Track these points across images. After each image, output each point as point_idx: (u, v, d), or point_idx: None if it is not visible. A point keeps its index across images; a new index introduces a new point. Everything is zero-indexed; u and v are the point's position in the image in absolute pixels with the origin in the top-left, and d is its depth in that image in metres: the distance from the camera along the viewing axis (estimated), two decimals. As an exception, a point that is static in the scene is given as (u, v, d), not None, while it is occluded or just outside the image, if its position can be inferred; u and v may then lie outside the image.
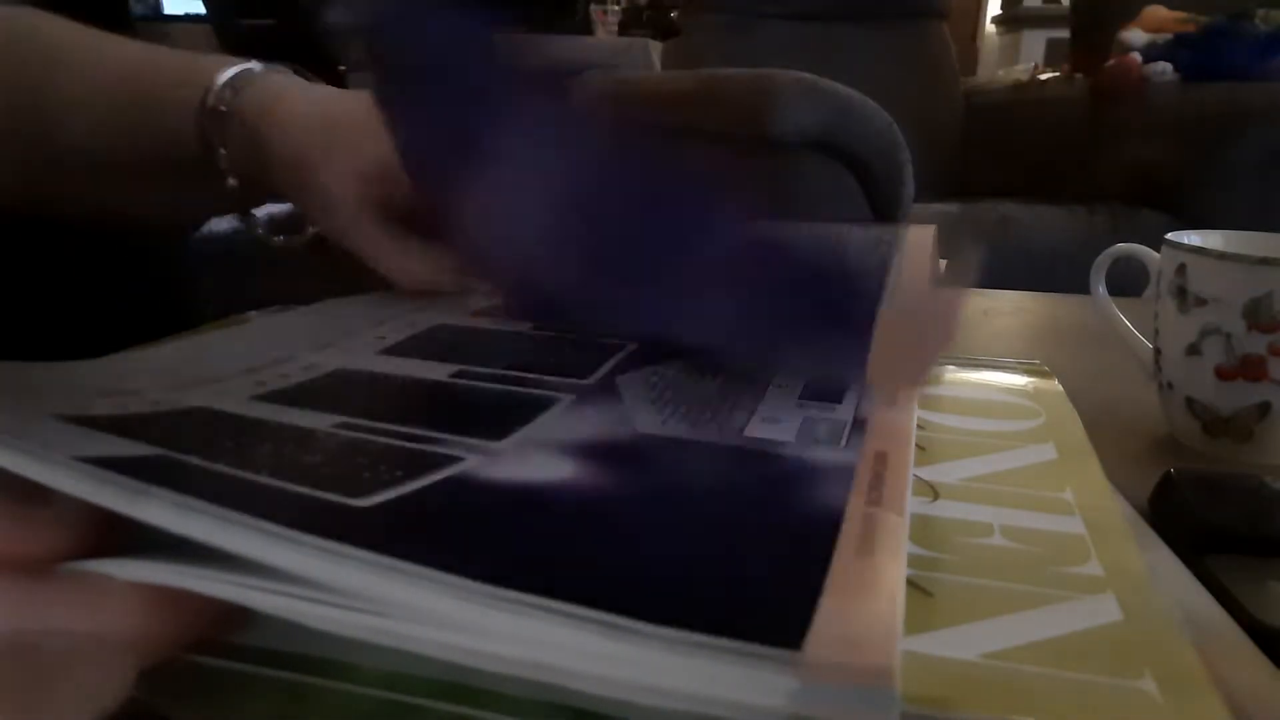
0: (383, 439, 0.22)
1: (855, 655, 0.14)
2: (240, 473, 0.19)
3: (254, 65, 0.41)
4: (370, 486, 0.19)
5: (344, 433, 0.22)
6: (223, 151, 0.40)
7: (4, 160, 0.41)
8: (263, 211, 0.44)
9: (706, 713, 0.14)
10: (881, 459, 0.22)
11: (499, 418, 0.24)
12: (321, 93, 0.41)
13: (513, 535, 0.18)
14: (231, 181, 0.40)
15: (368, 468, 0.20)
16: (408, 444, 0.22)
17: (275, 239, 0.44)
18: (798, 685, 0.13)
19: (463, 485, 0.19)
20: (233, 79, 0.40)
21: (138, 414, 0.22)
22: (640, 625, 0.14)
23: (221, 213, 0.42)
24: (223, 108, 0.39)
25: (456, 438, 0.22)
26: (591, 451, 0.22)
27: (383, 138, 0.35)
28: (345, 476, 0.19)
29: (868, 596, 0.16)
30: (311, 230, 0.43)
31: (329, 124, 0.39)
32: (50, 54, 0.41)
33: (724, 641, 0.14)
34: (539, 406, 0.25)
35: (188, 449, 0.20)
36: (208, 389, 0.25)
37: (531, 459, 0.21)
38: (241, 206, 0.42)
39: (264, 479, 0.18)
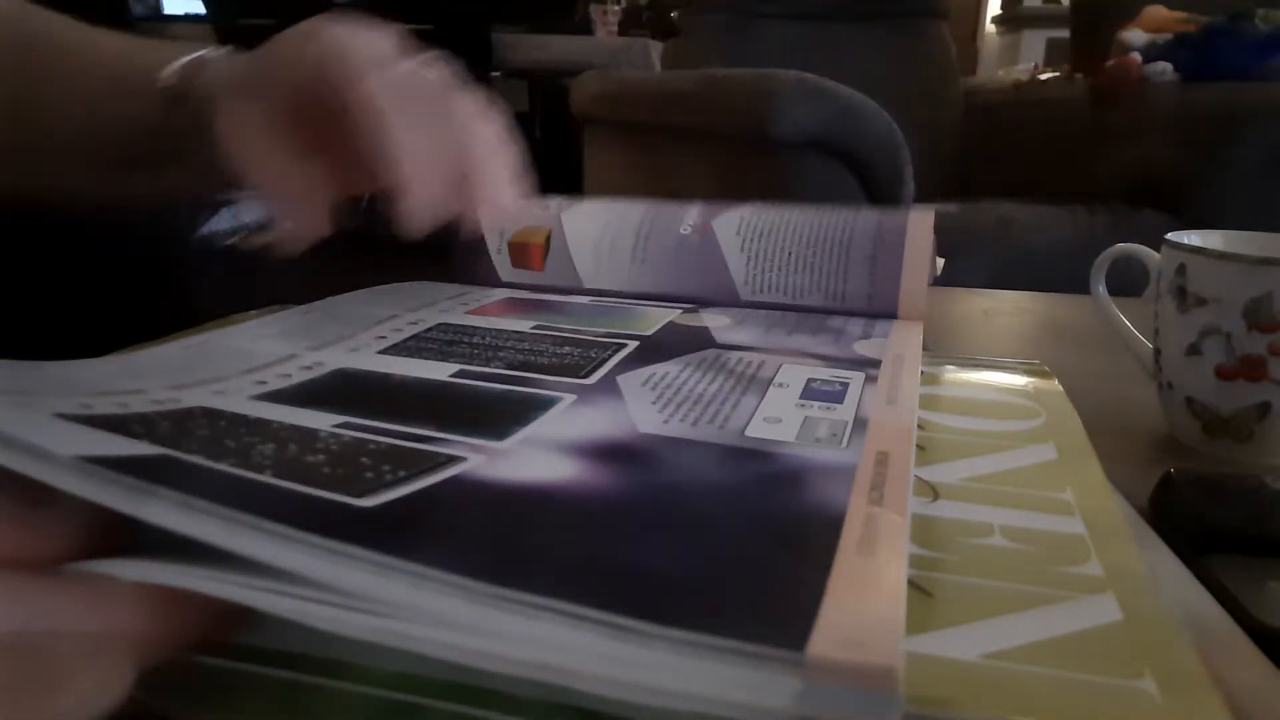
0: (384, 439, 0.22)
1: (859, 656, 0.14)
2: (243, 473, 0.19)
3: (210, 51, 0.39)
4: (372, 486, 0.19)
5: (346, 433, 0.22)
6: (182, 138, 0.38)
7: None
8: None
9: (710, 713, 0.14)
10: (883, 459, 0.22)
11: (500, 417, 0.24)
12: (245, 56, 0.38)
13: (515, 536, 0.18)
14: (194, 167, 0.39)
15: (370, 468, 0.20)
16: (409, 444, 0.22)
17: (243, 239, 0.43)
18: (802, 686, 0.13)
19: (465, 485, 0.19)
20: (183, 69, 0.39)
21: (139, 413, 0.22)
22: (644, 626, 0.14)
23: (198, 199, 0.41)
24: (177, 91, 0.38)
25: (458, 437, 0.22)
26: (593, 451, 0.22)
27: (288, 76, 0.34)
28: (347, 476, 0.19)
29: (870, 597, 0.16)
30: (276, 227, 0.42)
31: (247, 74, 0.37)
32: (35, 44, 0.41)
33: (728, 642, 0.14)
34: (540, 406, 0.25)
35: (190, 449, 0.20)
36: (208, 388, 0.25)
37: (533, 459, 0.21)
38: (208, 191, 0.41)
39: (267, 479, 0.18)
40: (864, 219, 0.44)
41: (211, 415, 0.23)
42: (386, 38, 0.36)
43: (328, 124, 0.33)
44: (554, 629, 0.14)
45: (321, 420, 0.23)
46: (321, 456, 0.20)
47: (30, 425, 0.18)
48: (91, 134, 0.41)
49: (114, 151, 0.41)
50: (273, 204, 0.36)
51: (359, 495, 0.18)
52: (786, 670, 0.14)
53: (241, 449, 0.20)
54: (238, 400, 0.24)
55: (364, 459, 0.20)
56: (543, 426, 0.23)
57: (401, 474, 0.19)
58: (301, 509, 0.17)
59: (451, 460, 0.21)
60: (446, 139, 0.34)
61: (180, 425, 0.22)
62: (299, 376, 0.27)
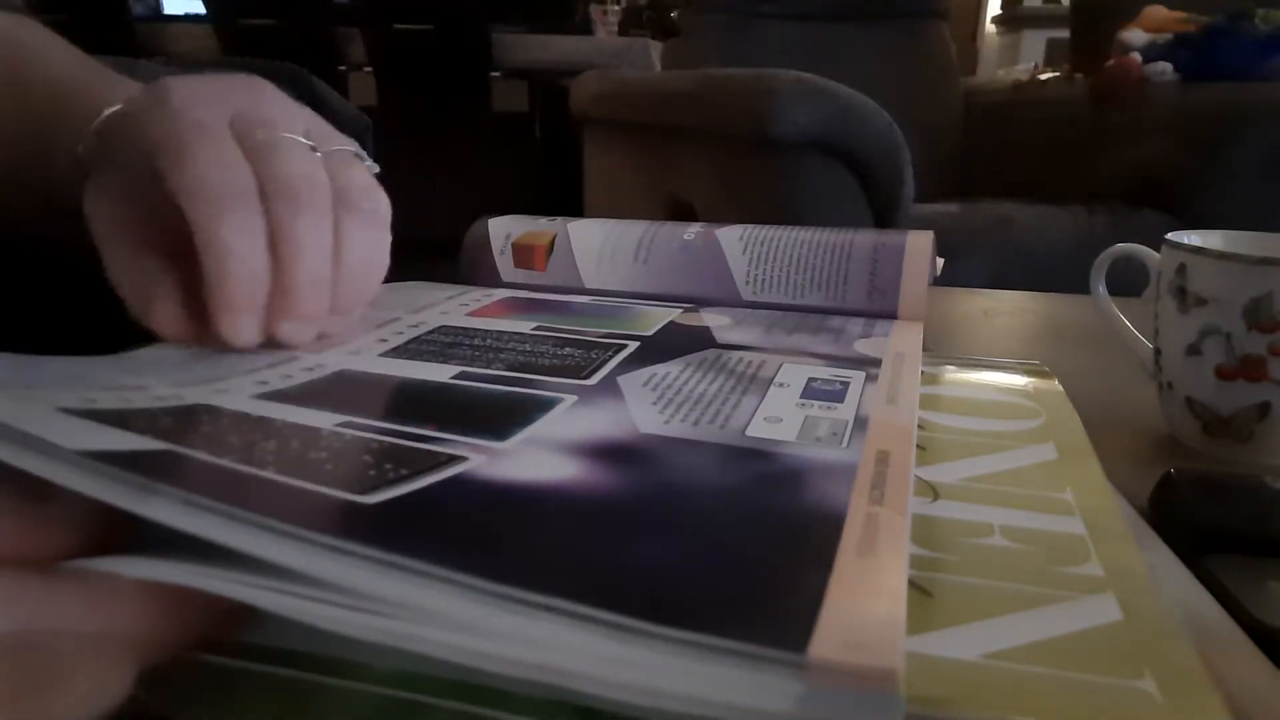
0: (386, 438, 0.22)
1: (860, 658, 0.14)
2: (246, 468, 0.19)
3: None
4: (375, 484, 0.19)
5: (348, 431, 0.22)
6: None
7: None
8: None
9: (711, 715, 0.14)
10: (883, 458, 0.22)
11: (502, 418, 0.24)
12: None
13: (517, 536, 0.18)
14: None
15: (372, 466, 0.20)
16: (411, 443, 0.22)
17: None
18: (803, 688, 0.13)
19: (467, 484, 0.20)
20: (107, 119, 0.33)
21: (142, 409, 0.22)
22: (645, 627, 0.14)
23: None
24: (83, 154, 0.34)
25: (460, 438, 0.22)
26: (594, 452, 0.22)
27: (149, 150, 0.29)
28: (350, 474, 0.19)
29: (871, 598, 0.16)
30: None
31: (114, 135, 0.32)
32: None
33: (729, 644, 0.14)
34: (541, 407, 0.25)
35: (194, 444, 0.20)
36: (210, 386, 0.25)
37: (535, 459, 0.21)
38: None
39: (270, 474, 0.18)
40: (864, 234, 0.44)
41: (214, 412, 0.23)
42: (260, 103, 0.32)
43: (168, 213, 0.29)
44: (555, 629, 0.14)
45: (323, 419, 0.23)
46: (324, 454, 0.20)
47: (33, 419, 0.18)
48: (17, 172, 0.38)
49: (48, 193, 0.37)
50: (120, 289, 0.31)
51: (362, 492, 0.18)
52: (788, 672, 0.14)
53: (244, 445, 0.20)
54: (240, 399, 0.24)
55: (366, 457, 0.20)
56: (544, 427, 0.23)
57: (404, 472, 0.20)
58: (304, 505, 0.17)
59: (453, 460, 0.21)
60: (284, 234, 0.29)
61: (183, 421, 0.22)
62: (300, 377, 0.27)
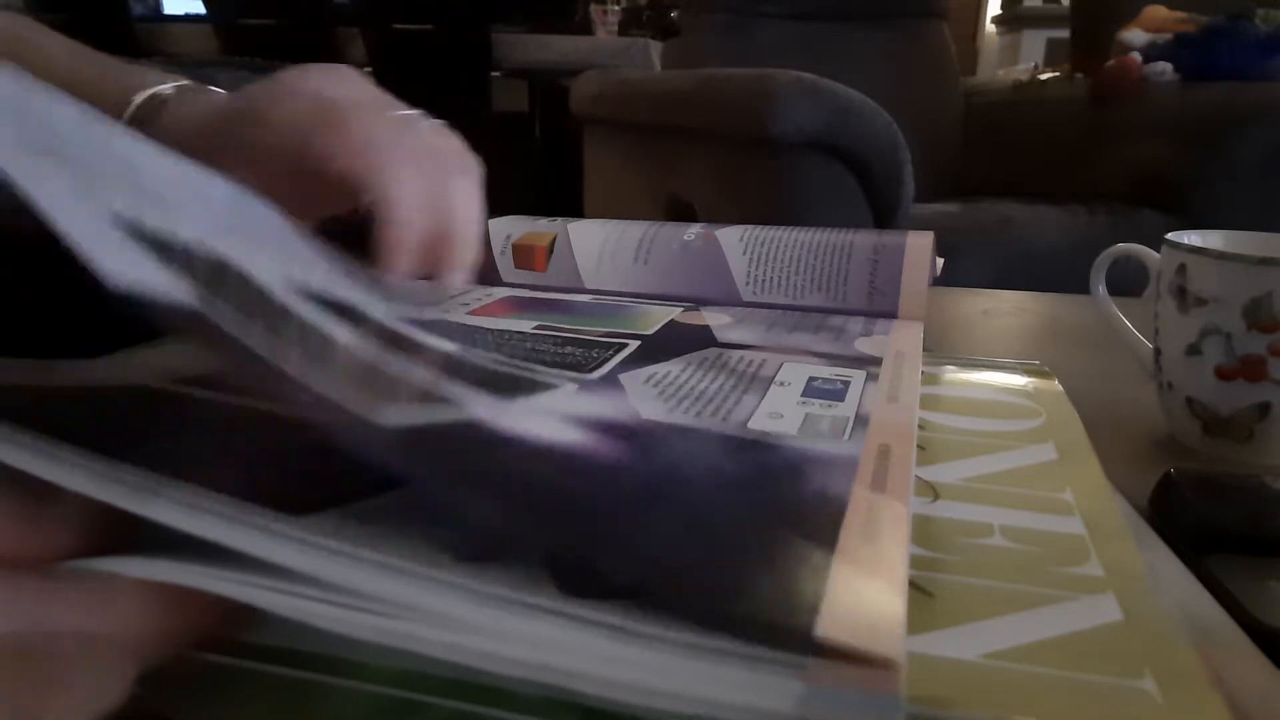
0: (399, 370, 0.22)
1: (862, 659, 0.14)
2: (266, 361, 0.18)
3: (166, 88, 0.38)
4: (389, 405, 0.19)
5: (364, 349, 0.22)
6: None
7: None
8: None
9: (712, 715, 0.14)
10: (884, 452, 0.22)
11: (507, 389, 0.24)
12: (211, 101, 0.38)
13: (520, 538, 0.18)
14: None
15: (387, 391, 0.20)
16: (422, 381, 0.22)
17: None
18: (804, 688, 0.13)
19: (475, 431, 0.20)
20: (140, 107, 0.37)
21: (184, 242, 0.20)
22: (648, 629, 0.14)
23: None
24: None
25: (468, 394, 0.22)
26: (598, 425, 0.22)
27: (268, 130, 0.33)
28: (367, 392, 0.19)
29: (873, 597, 0.16)
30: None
31: (213, 129, 0.36)
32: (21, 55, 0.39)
33: (731, 645, 0.14)
34: (545, 388, 0.25)
35: (224, 305, 0.19)
36: (247, 245, 0.24)
37: (541, 421, 0.21)
38: None
39: (290, 373, 0.18)
40: (864, 234, 0.44)
41: (243, 280, 0.21)
42: (369, 86, 0.36)
43: (300, 186, 0.32)
44: (559, 632, 0.14)
45: (341, 333, 0.22)
46: (339, 372, 0.20)
47: (86, 229, 0.17)
48: None
49: None
50: None
51: (376, 412, 0.18)
52: (789, 672, 0.14)
53: (269, 321, 0.20)
54: (267, 278, 0.23)
55: (381, 381, 0.20)
56: (548, 400, 0.24)
57: (418, 400, 0.20)
58: (323, 419, 0.17)
59: (460, 409, 0.21)
60: (435, 192, 0.33)
61: (217, 274, 0.20)
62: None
